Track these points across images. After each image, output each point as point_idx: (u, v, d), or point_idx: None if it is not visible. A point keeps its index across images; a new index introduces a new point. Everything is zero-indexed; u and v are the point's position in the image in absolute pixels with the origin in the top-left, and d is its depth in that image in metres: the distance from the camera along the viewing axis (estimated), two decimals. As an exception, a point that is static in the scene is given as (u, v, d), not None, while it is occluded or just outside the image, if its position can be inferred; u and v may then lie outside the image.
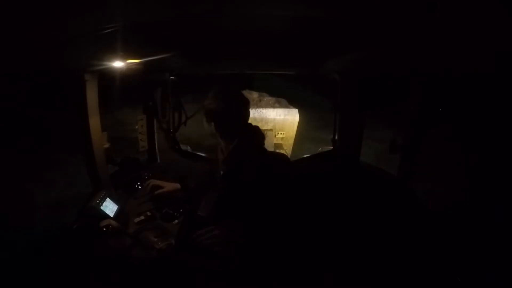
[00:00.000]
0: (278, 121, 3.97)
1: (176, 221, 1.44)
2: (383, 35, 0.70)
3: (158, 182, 1.53)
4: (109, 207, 1.31)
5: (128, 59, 1.09)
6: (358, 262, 1.29)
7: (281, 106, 4.09)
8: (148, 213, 1.45)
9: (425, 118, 1.41)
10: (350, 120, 1.81)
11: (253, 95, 4.18)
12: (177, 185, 1.50)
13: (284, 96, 4.53)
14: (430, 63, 1.08)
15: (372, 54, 1.02)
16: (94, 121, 1.35)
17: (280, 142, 4.04)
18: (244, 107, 1.17)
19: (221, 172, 1.21)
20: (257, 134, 1.20)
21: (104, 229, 1.18)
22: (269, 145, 3.68)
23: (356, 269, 1.25)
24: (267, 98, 4.20)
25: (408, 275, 1.18)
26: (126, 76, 1.38)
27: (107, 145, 1.49)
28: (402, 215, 1.40)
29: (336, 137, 1.91)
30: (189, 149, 2.07)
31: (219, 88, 1.18)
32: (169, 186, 1.51)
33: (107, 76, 1.33)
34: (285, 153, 3.33)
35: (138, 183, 1.65)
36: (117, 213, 1.34)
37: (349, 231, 1.40)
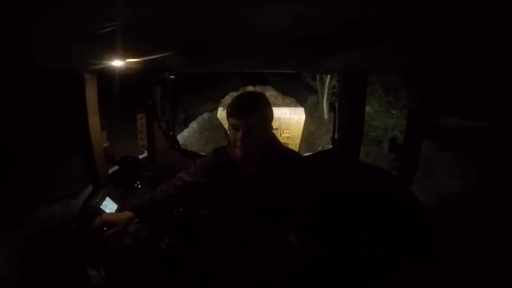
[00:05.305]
0: (284, 120, 3.92)
1: (177, 220, 1.44)
2: (383, 34, 0.69)
3: (109, 217, 1.17)
4: (109, 206, 1.31)
5: (127, 58, 1.09)
6: (357, 261, 1.29)
7: (289, 105, 4.05)
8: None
9: (425, 118, 1.40)
10: (349, 118, 1.81)
11: (270, 92, 4.14)
12: (130, 214, 1.17)
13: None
14: (429, 62, 1.08)
15: (372, 52, 1.02)
16: (94, 120, 1.35)
17: (286, 141, 3.98)
18: (273, 116, 1.08)
19: (249, 173, 1.10)
20: (275, 136, 1.17)
21: (104, 228, 1.18)
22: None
23: (355, 268, 1.26)
24: (278, 96, 4.16)
25: (407, 274, 1.18)
26: (125, 74, 1.38)
27: (106, 144, 1.49)
28: (402, 214, 1.40)
29: (335, 136, 1.91)
30: (188, 148, 2.07)
31: (247, 95, 1.04)
32: (122, 219, 1.16)
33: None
34: None
35: (138, 182, 1.65)
36: (117, 212, 1.33)
37: (348, 230, 1.40)
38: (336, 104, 1.89)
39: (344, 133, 1.85)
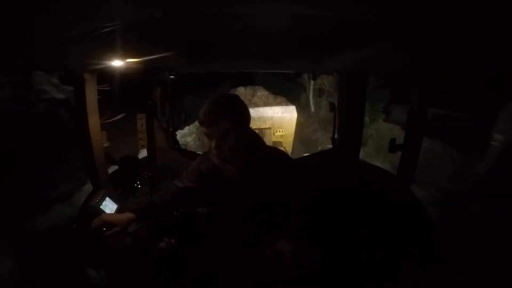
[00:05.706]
0: (276, 119, 3.96)
1: (176, 220, 1.43)
2: (383, 34, 0.69)
3: (108, 218, 1.13)
4: (109, 206, 1.31)
5: (127, 58, 1.09)
6: (357, 261, 1.29)
7: (280, 104, 4.10)
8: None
9: (425, 118, 1.40)
10: (349, 118, 1.81)
11: (261, 92, 4.18)
12: (129, 215, 1.15)
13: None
14: (430, 63, 1.08)
15: (372, 52, 1.02)
16: (94, 120, 1.35)
17: (280, 140, 4.02)
18: (249, 117, 1.05)
19: (230, 177, 1.10)
20: (257, 136, 1.14)
21: (103, 229, 1.18)
22: (268, 144, 3.71)
23: (355, 268, 1.26)
24: (269, 95, 4.20)
25: (407, 274, 1.18)
26: (125, 74, 1.38)
27: (106, 144, 1.49)
28: (402, 214, 1.40)
29: (335, 136, 1.91)
30: (188, 148, 2.07)
31: (216, 101, 0.99)
32: (121, 219, 1.13)
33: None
34: (285, 151, 3.34)
35: (138, 182, 1.65)
36: (117, 212, 1.33)
37: (348, 230, 1.40)
38: (336, 104, 1.89)
39: (344, 133, 1.86)
